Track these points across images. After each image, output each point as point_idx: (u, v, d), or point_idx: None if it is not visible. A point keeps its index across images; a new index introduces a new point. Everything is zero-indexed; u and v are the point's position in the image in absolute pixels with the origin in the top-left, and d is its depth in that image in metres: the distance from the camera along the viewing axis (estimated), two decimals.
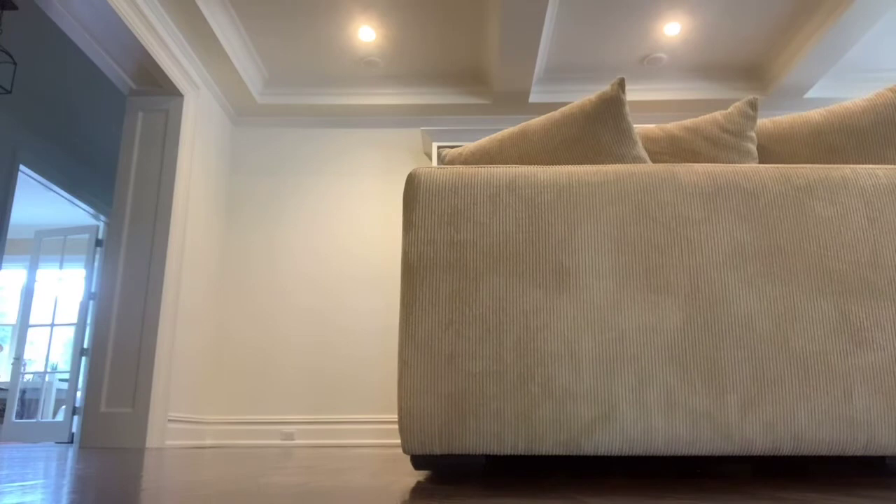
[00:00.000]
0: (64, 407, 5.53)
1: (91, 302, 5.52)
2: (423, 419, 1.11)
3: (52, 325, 5.83)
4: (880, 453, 1.09)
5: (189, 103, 4.13)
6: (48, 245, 5.90)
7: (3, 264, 5.10)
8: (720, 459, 1.59)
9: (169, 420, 3.76)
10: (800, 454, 1.09)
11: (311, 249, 4.64)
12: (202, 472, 1.33)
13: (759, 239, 1.16)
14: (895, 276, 1.13)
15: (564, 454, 1.10)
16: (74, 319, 5.64)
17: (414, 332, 1.15)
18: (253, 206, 4.74)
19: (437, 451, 1.11)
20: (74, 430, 5.30)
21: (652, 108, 4.78)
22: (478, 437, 1.10)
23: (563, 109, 1.43)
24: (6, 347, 8.00)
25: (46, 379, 5.88)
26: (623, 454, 1.10)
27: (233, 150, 4.86)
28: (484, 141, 1.50)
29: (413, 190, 1.24)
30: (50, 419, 5.69)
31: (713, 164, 1.26)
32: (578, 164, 1.35)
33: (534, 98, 4.67)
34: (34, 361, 6.26)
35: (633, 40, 4.28)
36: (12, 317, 7.89)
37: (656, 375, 1.10)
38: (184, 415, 3.96)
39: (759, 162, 1.59)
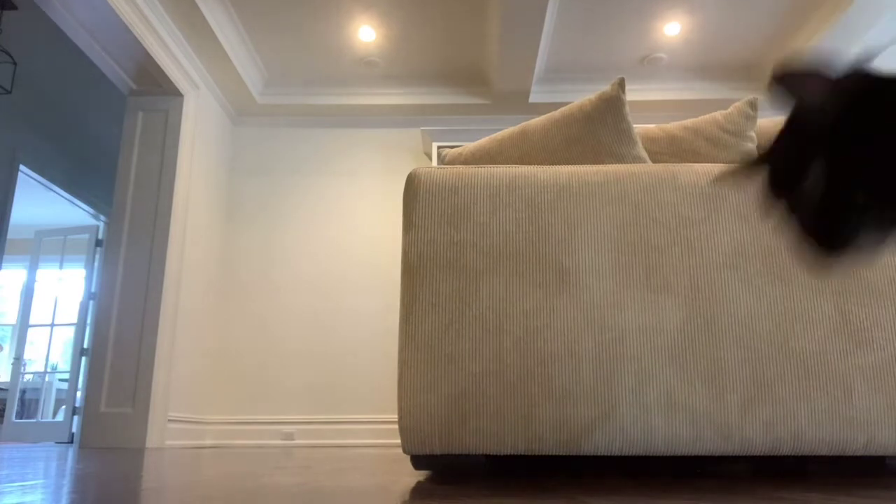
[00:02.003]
0: (64, 407, 5.53)
1: (91, 302, 5.52)
2: (423, 419, 1.11)
3: (52, 325, 5.83)
4: (880, 453, 1.09)
5: (189, 103, 4.13)
6: (48, 245, 5.90)
7: (3, 264, 5.10)
8: (720, 459, 1.59)
9: (169, 420, 3.76)
10: (800, 454, 1.09)
11: (311, 249, 4.64)
12: (202, 472, 1.33)
13: (759, 239, 1.16)
14: (895, 276, 1.13)
15: (564, 454, 1.10)
16: (74, 319, 5.64)
17: (414, 333, 1.15)
18: (253, 206, 4.74)
19: (437, 451, 1.11)
20: (74, 430, 5.30)
21: (652, 108, 4.78)
22: (478, 437, 1.10)
23: (563, 109, 1.43)
24: (6, 347, 8.00)
25: (46, 379, 5.88)
26: (623, 454, 1.10)
27: (233, 150, 4.86)
28: (484, 141, 1.50)
29: (413, 190, 1.24)
30: (50, 419, 5.69)
31: (713, 164, 1.26)
32: (578, 164, 1.35)
33: (534, 98, 4.67)
34: (34, 361, 6.27)
35: (633, 40, 4.28)
36: (12, 317, 7.89)
37: (656, 375, 1.10)
38: (184, 415, 3.96)
39: None
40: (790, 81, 0.47)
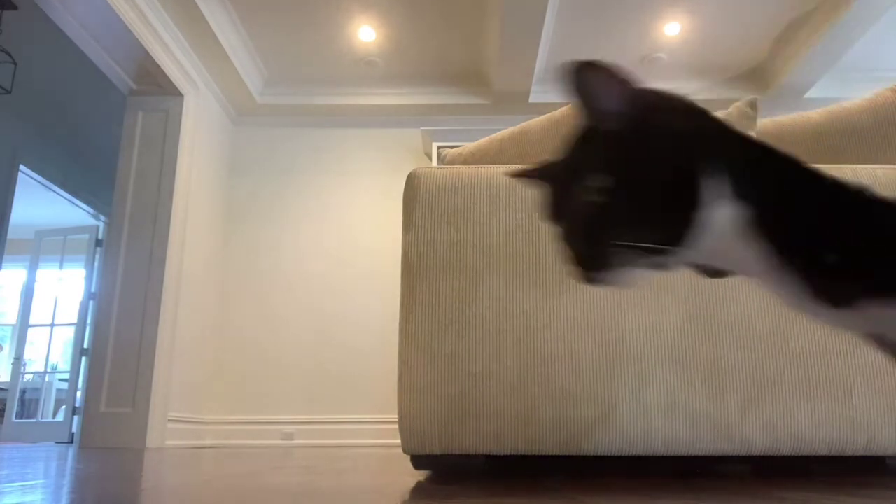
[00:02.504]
0: (64, 407, 5.52)
1: (91, 302, 5.52)
2: (423, 419, 1.11)
3: (52, 325, 5.83)
4: (880, 453, 1.09)
5: (189, 103, 4.13)
6: (48, 245, 5.90)
7: (3, 264, 5.10)
8: (720, 459, 1.59)
9: (169, 420, 3.76)
10: (800, 454, 1.09)
11: (310, 249, 4.64)
12: (202, 472, 1.33)
13: None
14: None
15: (564, 454, 1.10)
16: (74, 319, 5.64)
17: (414, 333, 1.15)
18: (253, 206, 4.74)
19: (437, 451, 1.11)
20: (74, 430, 5.30)
21: None
22: (478, 437, 1.10)
23: (562, 109, 1.43)
24: (6, 347, 7.99)
25: (46, 379, 5.87)
26: (623, 454, 1.10)
27: (233, 150, 4.86)
28: (484, 141, 1.50)
29: (413, 190, 1.24)
30: (50, 419, 5.68)
31: None
32: None
33: (534, 98, 4.67)
34: (34, 361, 6.26)
35: (633, 40, 4.28)
36: (12, 317, 7.89)
37: (656, 375, 1.10)
38: (184, 415, 3.96)
39: None
40: (590, 79, 0.45)
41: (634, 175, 0.45)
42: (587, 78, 0.45)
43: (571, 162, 0.49)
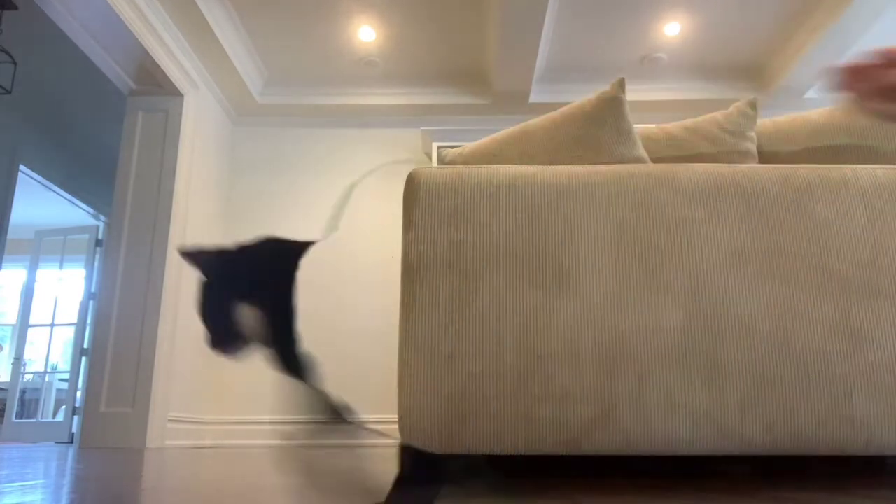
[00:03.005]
0: (64, 407, 5.52)
1: (91, 302, 5.52)
2: (423, 419, 1.11)
3: (52, 325, 5.83)
4: (880, 453, 1.09)
5: (189, 103, 4.12)
6: (48, 245, 5.90)
7: (3, 264, 5.10)
8: (720, 459, 1.58)
9: (169, 420, 3.76)
10: (800, 454, 1.09)
11: (310, 249, 4.63)
12: (202, 472, 1.33)
13: (758, 239, 1.16)
14: (895, 276, 1.13)
15: (564, 454, 1.10)
16: (74, 319, 5.64)
17: (414, 332, 1.15)
18: (253, 206, 4.74)
19: (437, 451, 1.11)
20: (74, 430, 5.30)
21: (652, 108, 4.78)
22: (478, 436, 1.10)
23: (563, 109, 1.43)
24: (6, 347, 7.99)
25: (46, 379, 5.87)
26: (623, 454, 1.10)
27: (233, 150, 4.86)
28: (484, 141, 1.50)
29: (413, 190, 1.24)
30: (50, 419, 5.68)
31: (713, 164, 1.25)
32: (578, 164, 1.35)
33: (534, 98, 4.67)
34: (34, 361, 6.26)
35: (633, 40, 4.27)
36: (12, 317, 7.89)
37: (656, 375, 1.10)
38: (184, 415, 3.96)
39: (759, 162, 1.59)
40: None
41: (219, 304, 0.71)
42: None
43: (223, 270, 0.75)
